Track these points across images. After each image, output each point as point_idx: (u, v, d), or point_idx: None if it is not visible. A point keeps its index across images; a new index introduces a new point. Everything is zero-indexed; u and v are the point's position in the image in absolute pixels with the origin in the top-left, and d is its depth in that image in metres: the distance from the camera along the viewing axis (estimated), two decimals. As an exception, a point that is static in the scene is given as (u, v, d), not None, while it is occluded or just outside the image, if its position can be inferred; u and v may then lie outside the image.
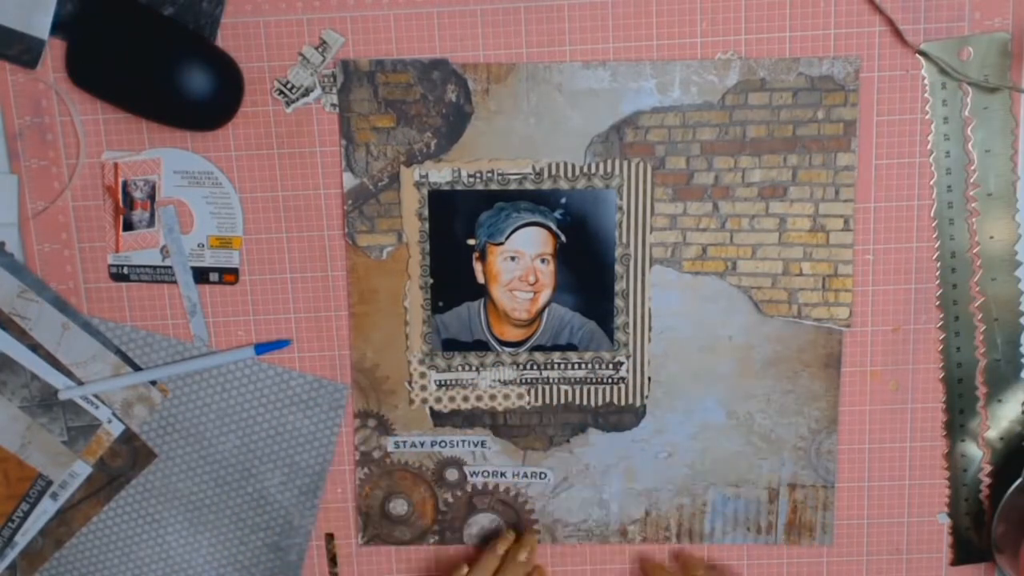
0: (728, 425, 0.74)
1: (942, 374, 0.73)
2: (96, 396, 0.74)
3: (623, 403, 0.74)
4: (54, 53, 0.70)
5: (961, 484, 0.74)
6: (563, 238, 0.72)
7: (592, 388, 0.74)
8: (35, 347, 0.73)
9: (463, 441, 0.76)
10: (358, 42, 0.70)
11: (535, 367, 0.74)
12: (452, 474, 0.76)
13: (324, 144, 0.71)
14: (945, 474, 0.75)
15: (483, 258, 0.72)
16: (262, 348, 0.73)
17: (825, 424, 0.74)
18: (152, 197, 0.72)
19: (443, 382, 0.74)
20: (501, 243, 0.72)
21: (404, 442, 0.76)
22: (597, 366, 0.74)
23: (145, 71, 0.68)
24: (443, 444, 0.76)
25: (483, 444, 0.76)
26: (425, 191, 0.71)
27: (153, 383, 0.74)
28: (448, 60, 0.70)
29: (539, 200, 0.71)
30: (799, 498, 0.75)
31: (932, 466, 0.75)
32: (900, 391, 0.73)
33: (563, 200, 0.71)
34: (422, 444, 0.76)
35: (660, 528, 0.76)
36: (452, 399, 0.74)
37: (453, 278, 0.72)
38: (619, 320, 0.73)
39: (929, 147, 0.70)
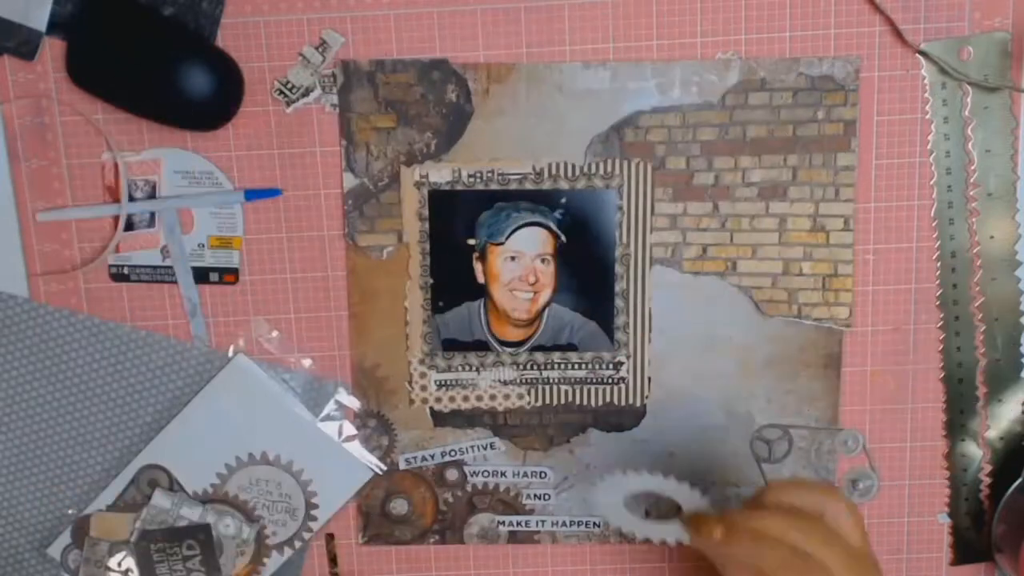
0: (728, 425, 0.74)
1: (942, 374, 0.73)
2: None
3: (623, 403, 0.74)
4: (54, 53, 0.70)
5: (961, 484, 0.74)
6: (563, 238, 0.72)
7: (592, 388, 0.74)
8: None
9: (470, 447, 0.76)
10: (358, 42, 0.70)
11: (535, 367, 0.74)
12: (452, 474, 0.76)
13: (324, 144, 0.71)
14: (945, 474, 0.75)
15: (483, 258, 0.72)
16: (252, 194, 0.72)
17: (825, 424, 0.74)
18: (152, 197, 0.72)
19: (443, 382, 0.74)
20: (501, 243, 0.72)
21: (415, 457, 0.76)
22: (597, 366, 0.74)
23: (145, 71, 0.68)
24: (452, 453, 0.76)
25: (491, 446, 0.76)
26: (425, 191, 0.71)
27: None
28: (448, 60, 0.70)
29: (539, 200, 0.71)
30: (799, 498, 0.75)
31: (932, 466, 0.75)
32: (900, 391, 0.73)
33: (563, 200, 0.71)
34: (432, 457, 0.76)
35: (660, 528, 0.76)
36: (452, 399, 0.74)
37: (453, 278, 0.72)
38: (619, 320, 0.73)
39: (929, 147, 0.70)
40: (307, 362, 0.74)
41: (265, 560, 0.76)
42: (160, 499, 0.74)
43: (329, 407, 0.75)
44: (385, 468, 0.76)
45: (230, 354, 0.74)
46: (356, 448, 0.75)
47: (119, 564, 0.75)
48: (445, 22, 0.70)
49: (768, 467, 0.75)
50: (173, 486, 0.75)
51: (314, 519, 0.76)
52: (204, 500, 0.75)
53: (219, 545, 0.75)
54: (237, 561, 0.76)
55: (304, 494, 0.75)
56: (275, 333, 0.74)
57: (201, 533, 0.74)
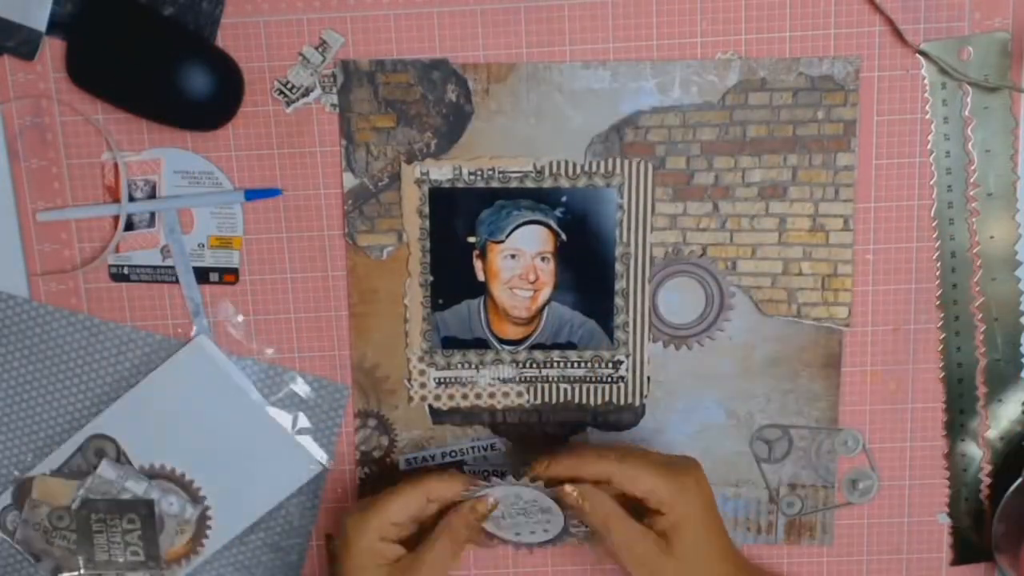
0: (728, 425, 0.74)
1: (942, 374, 0.73)
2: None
3: (622, 402, 0.74)
4: (54, 53, 0.70)
5: (961, 484, 0.74)
6: (563, 236, 0.72)
7: (591, 387, 0.74)
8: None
9: (471, 447, 0.76)
10: (358, 42, 0.70)
11: (534, 365, 0.74)
12: (452, 474, 0.76)
13: (324, 144, 0.71)
14: (945, 474, 0.74)
15: (483, 256, 0.72)
16: (252, 194, 0.72)
17: (825, 424, 0.74)
18: (152, 197, 0.72)
19: (442, 380, 0.74)
20: (501, 241, 0.72)
21: (415, 457, 0.76)
22: (596, 365, 0.74)
23: (145, 71, 0.68)
24: (453, 455, 0.76)
25: (492, 447, 0.76)
26: (426, 188, 0.71)
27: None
28: (448, 60, 0.70)
29: (540, 198, 0.71)
30: (799, 496, 0.75)
31: (932, 466, 0.75)
32: (900, 391, 0.73)
33: (564, 198, 0.71)
34: (432, 457, 0.76)
35: (660, 528, 0.76)
36: (451, 397, 0.74)
37: (453, 276, 0.72)
38: (619, 319, 0.73)
39: (929, 147, 0.70)
40: (269, 351, 0.74)
41: (204, 542, 0.76)
42: (106, 469, 0.74)
43: (283, 395, 0.75)
44: (327, 466, 0.76)
45: (192, 333, 0.74)
46: (308, 442, 0.75)
47: (57, 529, 0.75)
48: (445, 22, 0.70)
49: (768, 467, 0.75)
50: (120, 458, 0.75)
51: (261, 507, 0.77)
52: (151, 475, 0.75)
53: (160, 521, 0.75)
54: (176, 539, 0.76)
55: (253, 480, 0.76)
56: (240, 318, 0.74)
57: (143, 508, 0.75)
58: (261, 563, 0.77)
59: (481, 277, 0.73)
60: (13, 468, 0.75)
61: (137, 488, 0.75)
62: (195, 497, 0.76)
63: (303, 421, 0.75)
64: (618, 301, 0.73)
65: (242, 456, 0.75)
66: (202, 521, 0.76)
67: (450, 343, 0.74)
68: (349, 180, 0.72)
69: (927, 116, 0.70)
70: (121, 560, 0.76)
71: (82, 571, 0.76)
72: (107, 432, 0.75)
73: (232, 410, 0.75)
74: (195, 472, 0.76)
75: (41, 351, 0.74)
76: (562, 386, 0.74)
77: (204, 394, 0.74)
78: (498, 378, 0.74)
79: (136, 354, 0.74)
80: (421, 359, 0.74)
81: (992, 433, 0.73)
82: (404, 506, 0.66)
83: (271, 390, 0.74)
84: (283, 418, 0.75)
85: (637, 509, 0.65)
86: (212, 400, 0.75)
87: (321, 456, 0.75)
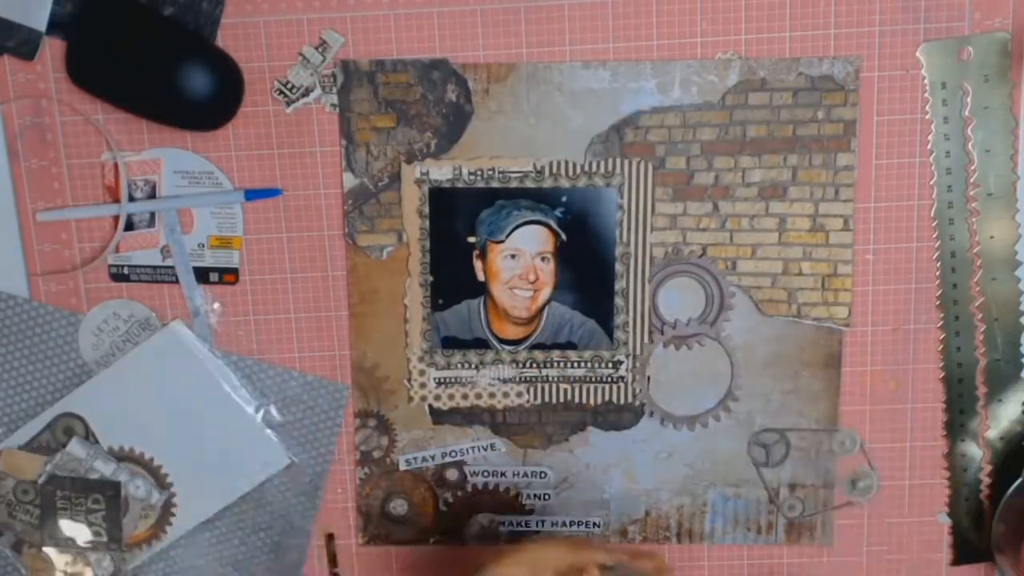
0: (728, 426, 0.74)
1: (942, 374, 0.73)
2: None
3: (622, 402, 0.74)
4: (54, 53, 0.70)
5: (961, 484, 0.74)
6: (563, 236, 0.72)
7: (591, 387, 0.74)
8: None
9: (471, 447, 0.76)
10: (358, 42, 0.70)
11: (534, 365, 0.74)
12: (452, 474, 0.76)
13: (324, 144, 0.71)
14: (945, 474, 0.74)
15: (483, 256, 0.72)
16: (252, 194, 0.72)
17: (825, 424, 0.74)
18: (152, 197, 0.72)
19: (442, 380, 0.74)
20: (501, 241, 0.72)
21: (415, 458, 0.76)
22: (596, 365, 0.74)
23: (145, 71, 0.68)
24: (453, 454, 0.76)
25: (492, 447, 0.76)
26: (426, 188, 0.71)
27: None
28: (448, 60, 0.70)
29: (540, 198, 0.71)
30: (799, 498, 0.75)
31: (932, 466, 0.75)
32: (900, 391, 0.73)
33: (564, 199, 0.71)
34: (432, 457, 0.76)
35: (660, 528, 0.76)
36: (451, 397, 0.74)
37: (453, 276, 0.73)
38: (619, 319, 0.73)
39: (929, 147, 0.70)
40: (270, 351, 0.74)
41: (167, 528, 0.77)
42: (76, 447, 0.74)
43: (282, 395, 0.75)
44: (294, 460, 0.76)
45: (168, 318, 0.74)
46: (275, 435, 0.75)
47: (21, 503, 0.75)
48: (445, 22, 0.70)
49: (767, 471, 0.75)
50: (88, 438, 0.75)
51: (225, 497, 0.76)
52: (118, 457, 0.75)
53: (125, 504, 0.75)
54: (139, 523, 0.76)
55: (220, 470, 0.76)
56: (217, 305, 0.74)
57: (110, 489, 0.75)
58: (261, 563, 0.77)
59: (481, 277, 0.73)
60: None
61: (105, 469, 0.75)
62: (162, 483, 0.76)
63: (273, 414, 0.75)
64: (618, 301, 0.73)
65: (210, 445, 0.75)
66: (167, 508, 0.76)
67: (450, 343, 0.74)
68: (349, 180, 0.72)
69: (927, 116, 0.70)
70: (82, 540, 0.76)
71: (43, 548, 0.76)
72: (76, 411, 0.75)
73: (203, 399, 0.75)
74: (163, 458, 0.76)
75: (41, 351, 0.74)
76: (562, 386, 0.74)
77: (176, 380, 0.74)
78: (498, 378, 0.74)
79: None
80: (421, 359, 0.74)
81: (992, 433, 0.73)
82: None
83: (269, 389, 0.74)
84: (253, 409, 0.75)
85: None
86: (184, 387, 0.75)
87: (288, 452, 0.75)
